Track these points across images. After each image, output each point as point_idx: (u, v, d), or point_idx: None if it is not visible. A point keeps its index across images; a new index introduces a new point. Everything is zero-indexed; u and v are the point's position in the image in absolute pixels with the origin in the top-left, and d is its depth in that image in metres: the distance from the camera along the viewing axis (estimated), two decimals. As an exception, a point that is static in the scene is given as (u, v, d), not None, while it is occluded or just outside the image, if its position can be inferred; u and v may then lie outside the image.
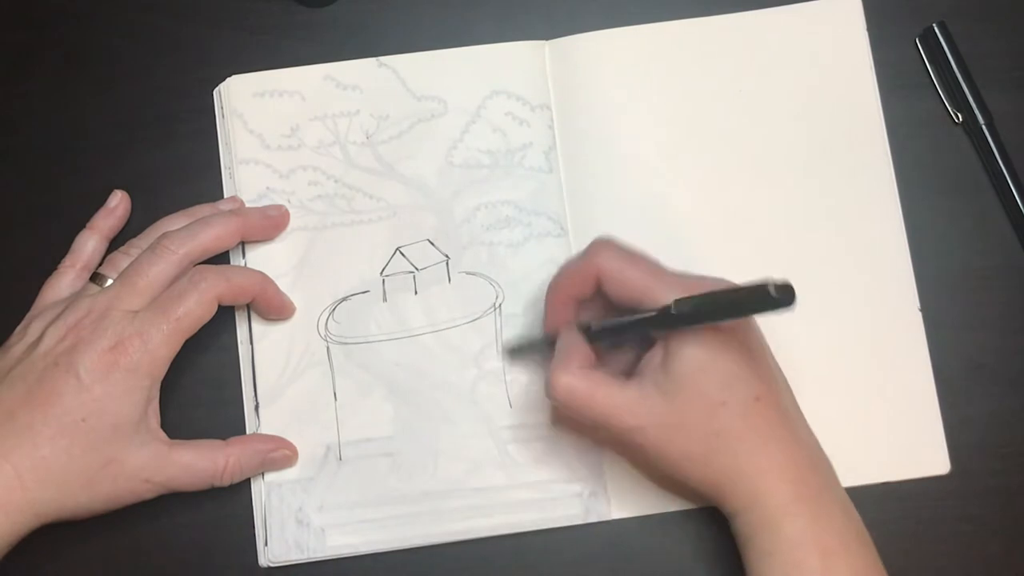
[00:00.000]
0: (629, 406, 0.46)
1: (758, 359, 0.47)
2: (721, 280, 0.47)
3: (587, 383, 0.46)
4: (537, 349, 0.52)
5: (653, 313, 0.45)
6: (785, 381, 0.48)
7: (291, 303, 0.53)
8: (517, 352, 0.53)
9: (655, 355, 0.47)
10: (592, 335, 0.48)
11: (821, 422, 0.52)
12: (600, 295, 0.48)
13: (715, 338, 0.45)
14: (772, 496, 0.45)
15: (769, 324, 0.53)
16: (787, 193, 0.55)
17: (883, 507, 0.52)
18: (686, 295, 0.44)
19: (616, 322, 0.48)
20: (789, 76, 0.56)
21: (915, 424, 0.53)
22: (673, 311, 0.44)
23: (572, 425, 0.52)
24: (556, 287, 0.50)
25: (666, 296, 0.45)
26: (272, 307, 0.53)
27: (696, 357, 0.45)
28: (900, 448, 0.52)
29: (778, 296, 0.40)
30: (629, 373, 0.48)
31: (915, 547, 0.52)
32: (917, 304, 0.54)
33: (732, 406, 0.45)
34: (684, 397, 0.45)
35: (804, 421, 0.48)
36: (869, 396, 0.53)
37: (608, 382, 0.46)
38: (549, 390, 0.47)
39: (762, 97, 0.56)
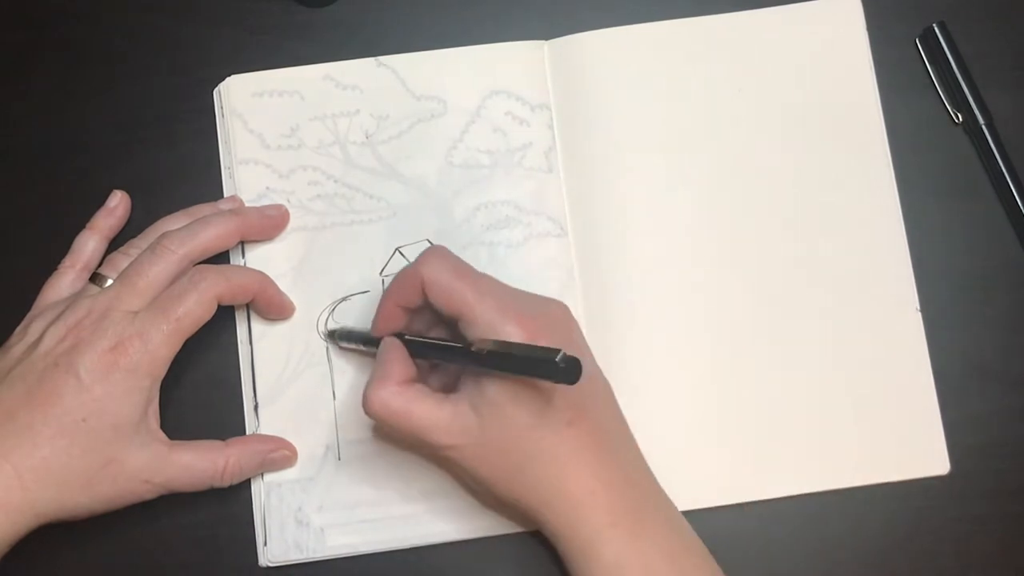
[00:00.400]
0: (444, 424, 0.46)
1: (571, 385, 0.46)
2: (544, 305, 0.47)
3: (402, 399, 0.46)
4: (356, 342, 0.52)
5: (458, 344, 0.45)
6: (607, 398, 0.48)
7: (291, 303, 0.53)
8: (336, 336, 0.52)
9: (472, 373, 0.46)
10: (406, 344, 0.48)
11: (821, 422, 0.52)
12: (429, 306, 0.48)
13: None
14: (587, 521, 0.45)
15: (769, 324, 0.53)
16: (787, 193, 0.55)
17: (883, 507, 0.52)
18: (499, 317, 0.44)
19: (422, 340, 0.48)
20: (789, 76, 0.56)
21: (915, 424, 0.53)
22: (473, 350, 0.44)
23: (395, 439, 0.52)
24: (387, 293, 0.49)
25: (482, 315, 0.45)
26: (272, 307, 0.53)
27: (508, 382, 0.45)
28: (900, 448, 0.52)
29: (563, 368, 0.40)
30: (453, 385, 0.48)
31: (915, 547, 0.52)
32: (917, 304, 0.54)
33: (542, 430, 0.45)
34: (496, 419, 0.45)
35: (628, 440, 0.48)
36: (869, 396, 0.53)
37: (424, 399, 0.46)
38: (365, 405, 0.46)
39: (762, 97, 0.55)
